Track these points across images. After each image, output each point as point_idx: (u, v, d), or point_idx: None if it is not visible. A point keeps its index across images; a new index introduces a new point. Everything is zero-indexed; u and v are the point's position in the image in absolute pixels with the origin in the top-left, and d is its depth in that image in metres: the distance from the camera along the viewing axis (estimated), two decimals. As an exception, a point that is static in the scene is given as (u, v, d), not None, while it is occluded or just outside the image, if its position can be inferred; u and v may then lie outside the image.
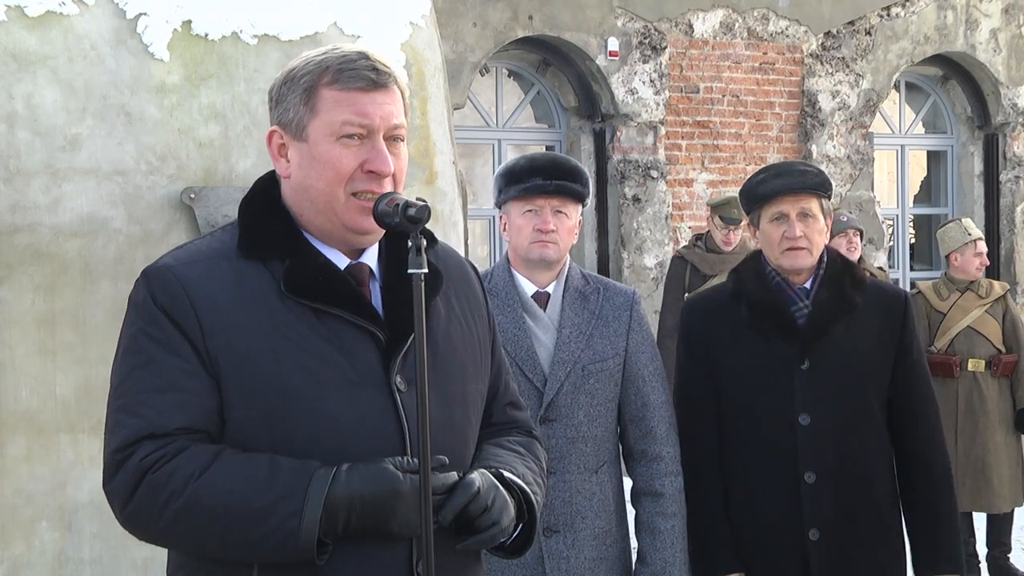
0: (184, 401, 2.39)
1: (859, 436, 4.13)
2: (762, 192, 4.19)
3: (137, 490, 2.37)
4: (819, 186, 4.15)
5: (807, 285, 4.19)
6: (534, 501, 2.62)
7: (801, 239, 4.12)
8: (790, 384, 4.11)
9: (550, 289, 4.06)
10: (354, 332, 2.46)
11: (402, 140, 2.56)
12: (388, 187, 2.50)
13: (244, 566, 2.39)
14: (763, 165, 12.39)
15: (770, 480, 4.13)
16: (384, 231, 2.52)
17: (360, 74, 2.48)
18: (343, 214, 2.48)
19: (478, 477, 2.48)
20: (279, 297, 2.44)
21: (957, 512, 4.32)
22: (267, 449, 2.39)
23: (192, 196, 4.67)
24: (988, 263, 8.32)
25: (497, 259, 4.39)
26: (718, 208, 8.81)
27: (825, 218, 4.18)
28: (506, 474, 2.58)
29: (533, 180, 3.98)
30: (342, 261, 2.53)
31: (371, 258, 2.57)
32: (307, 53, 2.55)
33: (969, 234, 8.32)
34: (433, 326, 2.56)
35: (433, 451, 2.38)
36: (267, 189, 2.58)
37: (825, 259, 4.22)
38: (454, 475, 2.46)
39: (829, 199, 4.21)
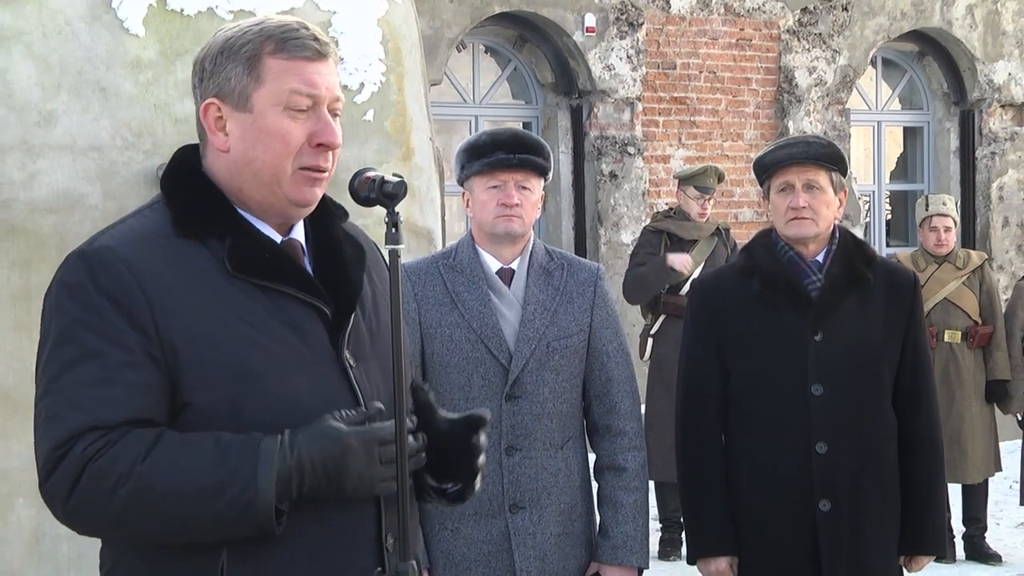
0: (127, 393, 2.30)
1: (870, 409, 4.18)
2: (767, 161, 4.24)
3: (80, 481, 2.27)
4: (824, 157, 4.17)
5: (819, 259, 4.22)
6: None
7: (805, 209, 4.15)
8: (803, 356, 4.14)
9: (514, 265, 4.06)
10: (302, 309, 2.43)
11: (339, 115, 2.48)
12: (331, 161, 2.46)
13: (212, 551, 2.34)
14: (740, 141, 12.48)
15: (781, 452, 4.16)
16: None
17: (305, 43, 2.42)
18: (289, 187, 2.42)
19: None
20: (224, 276, 2.38)
21: (946, 494, 4.36)
22: (230, 430, 2.33)
23: (168, 172, 4.65)
24: (948, 241, 8.29)
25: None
26: (692, 179, 8.67)
27: (836, 192, 4.19)
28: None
29: (496, 154, 3.98)
30: (276, 237, 2.48)
31: (299, 234, 2.52)
32: (239, 24, 2.48)
33: (926, 209, 8.36)
34: (366, 302, 2.54)
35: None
36: (189, 164, 2.50)
37: (837, 235, 4.25)
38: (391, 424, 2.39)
39: (842, 173, 4.22)
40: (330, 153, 2.45)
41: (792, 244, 4.21)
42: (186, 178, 2.48)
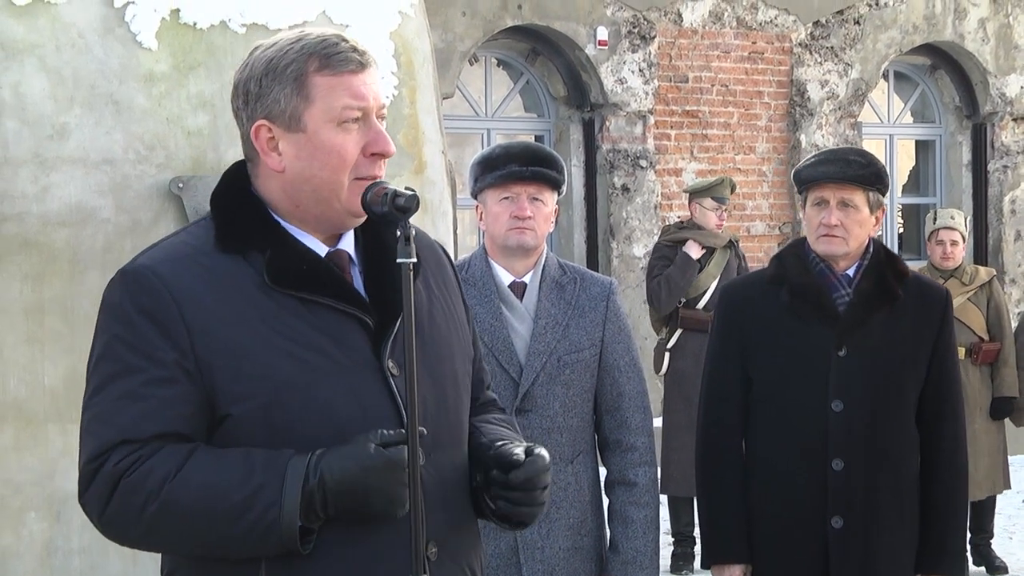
0: (159, 408, 2.35)
1: (890, 426, 4.14)
2: (805, 176, 4.21)
3: (113, 495, 2.34)
4: (862, 178, 4.13)
5: (850, 273, 4.19)
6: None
7: (837, 228, 4.12)
8: (825, 370, 4.11)
9: (527, 279, 4.06)
10: (342, 319, 2.44)
11: (385, 119, 2.52)
12: (383, 168, 2.49)
13: (251, 564, 2.37)
14: (752, 155, 12.47)
15: (797, 465, 4.14)
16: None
17: (348, 57, 2.44)
18: (347, 200, 2.45)
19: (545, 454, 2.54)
20: (262, 289, 2.42)
21: (967, 516, 4.32)
22: (266, 443, 2.36)
23: (180, 185, 4.66)
24: (954, 254, 8.29)
25: (486, 248, 4.45)
26: (709, 190, 8.68)
27: (873, 211, 4.16)
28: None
29: (509, 167, 3.99)
30: (321, 249, 2.51)
31: (348, 244, 2.55)
32: (276, 41, 2.50)
33: (934, 223, 8.36)
34: (418, 309, 2.53)
35: (430, 431, 2.40)
36: (236, 181, 2.55)
37: (871, 249, 4.22)
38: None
39: (880, 192, 4.18)
40: (382, 161, 2.48)
41: (821, 256, 4.20)
42: (231, 194, 2.53)
